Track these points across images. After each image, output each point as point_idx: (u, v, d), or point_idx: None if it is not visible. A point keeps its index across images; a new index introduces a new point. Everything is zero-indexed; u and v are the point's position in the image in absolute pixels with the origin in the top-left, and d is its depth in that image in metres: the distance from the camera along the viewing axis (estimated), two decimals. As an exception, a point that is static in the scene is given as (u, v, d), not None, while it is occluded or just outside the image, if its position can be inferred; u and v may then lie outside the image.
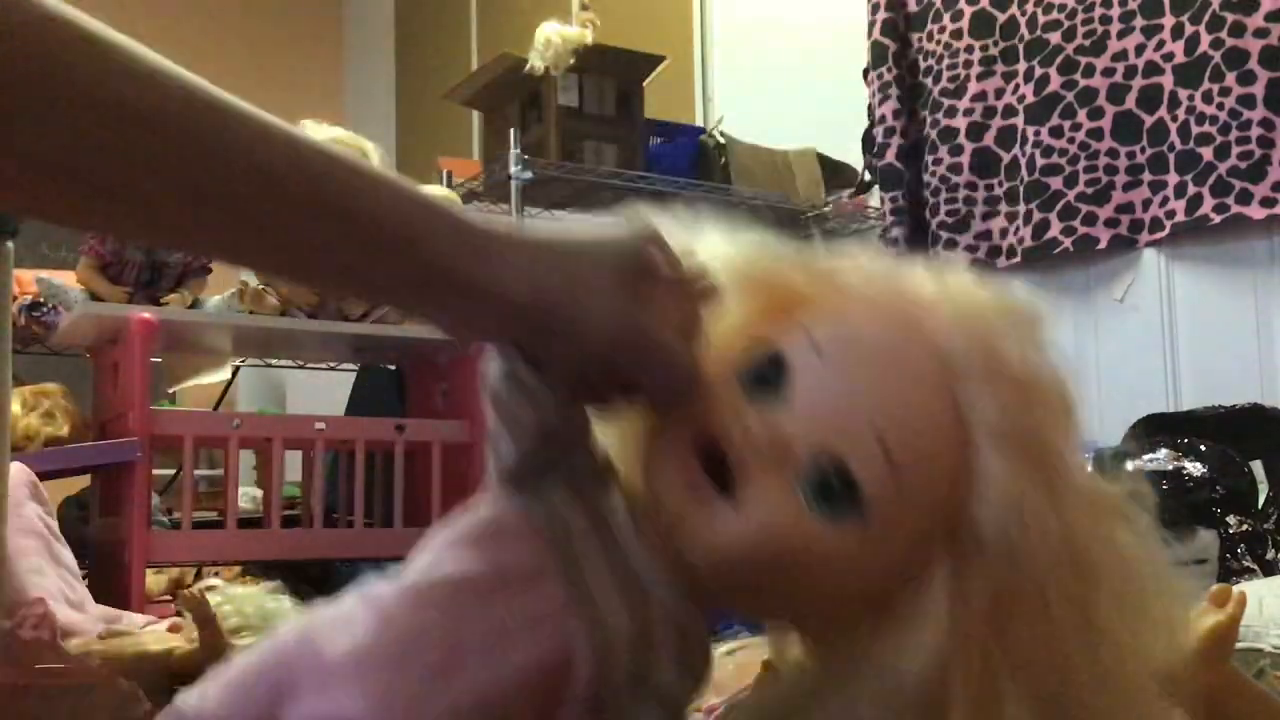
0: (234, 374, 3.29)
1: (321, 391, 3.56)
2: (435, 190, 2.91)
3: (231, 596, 1.64)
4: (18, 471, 1.94)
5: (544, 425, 0.54)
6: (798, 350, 0.54)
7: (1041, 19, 3.08)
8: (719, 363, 0.56)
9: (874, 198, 3.47)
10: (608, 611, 0.52)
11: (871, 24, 3.41)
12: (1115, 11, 2.94)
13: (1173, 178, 2.82)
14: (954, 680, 0.51)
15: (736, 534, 0.51)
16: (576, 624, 0.51)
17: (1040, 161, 3.04)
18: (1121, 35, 2.93)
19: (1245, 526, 2.29)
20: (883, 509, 0.52)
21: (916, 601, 0.52)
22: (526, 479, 0.55)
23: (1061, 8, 3.04)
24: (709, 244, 0.60)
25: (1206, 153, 2.72)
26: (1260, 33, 2.65)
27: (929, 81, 3.32)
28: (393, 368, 3.08)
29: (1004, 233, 3.19)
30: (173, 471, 2.97)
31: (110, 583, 2.38)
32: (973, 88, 3.22)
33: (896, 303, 0.57)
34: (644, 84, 3.21)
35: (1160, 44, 2.85)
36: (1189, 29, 2.78)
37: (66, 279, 2.80)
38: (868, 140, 3.47)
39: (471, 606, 0.51)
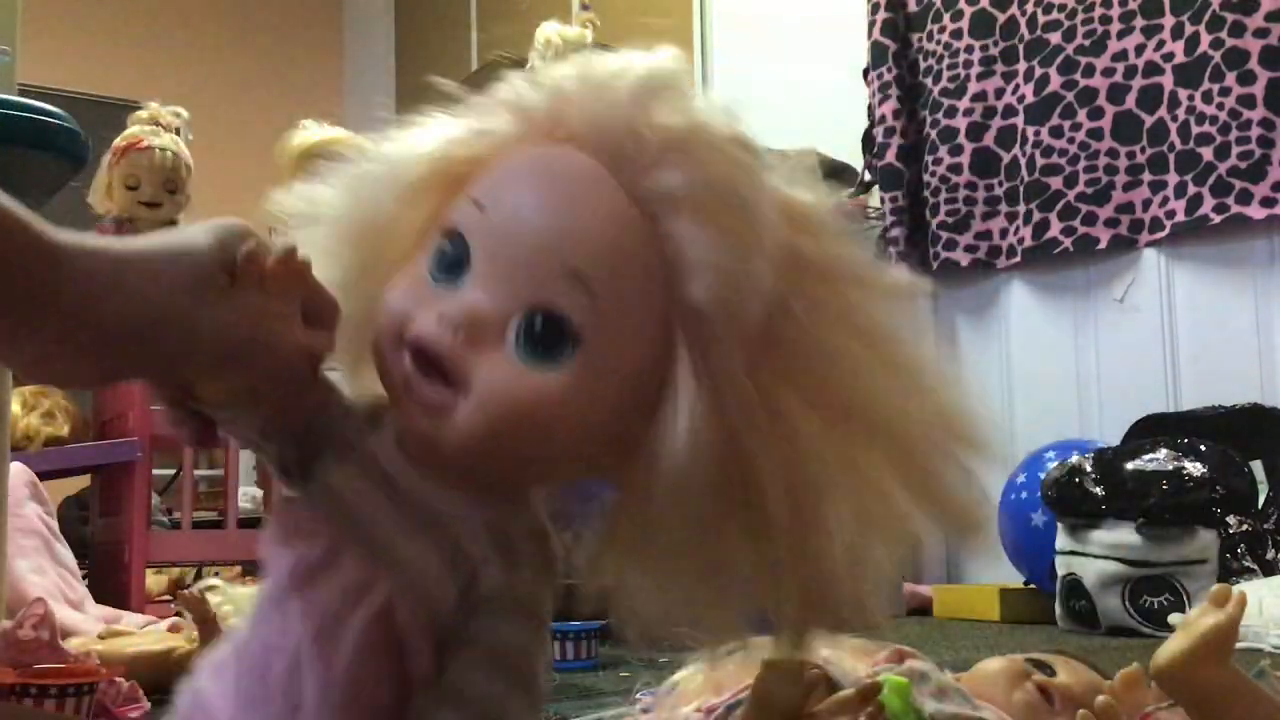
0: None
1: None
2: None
3: (231, 596, 1.64)
4: (18, 471, 1.94)
5: (265, 429, 0.54)
6: (466, 216, 0.53)
7: (1041, 19, 3.09)
8: (414, 269, 0.54)
9: (874, 198, 3.47)
10: (406, 553, 0.52)
11: (871, 24, 3.41)
12: (1115, 11, 2.94)
13: (1173, 178, 2.82)
14: (749, 442, 0.51)
15: (466, 418, 0.50)
16: (383, 580, 0.52)
17: (1040, 161, 3.04)
18: (1121, 35, 2.93)
19: (1245, 526, 2.29)
20: (596, 333, 0.51)
21: (670, 397, 0.51)
22: (302, 469, 0.55)
23: (1061, 8, 3.05)
24: (397, 149, 0.59)
25: (1206, 153, 2.72)
26: (1260, 33, 2.65)
27: (929, 81, 3.32)
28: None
29: (1004, 233, 3.19)
30: (173, 471, 2.97)
31: (110, 583, 2.38)
32: (973, 88, 3.22)
33: (538, 124, 0.55)
34: (644, 84, 3.21)
35: (1160, 44, 2.85)
36: (1189, 29, 2.78)
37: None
38: (868, 140, 3.47)
39: (294, 610, 0.53)
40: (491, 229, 0.52)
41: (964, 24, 3.25)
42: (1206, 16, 2.73)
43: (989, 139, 3.20)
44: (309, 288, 0.54)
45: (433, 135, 0.58)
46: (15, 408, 2.54)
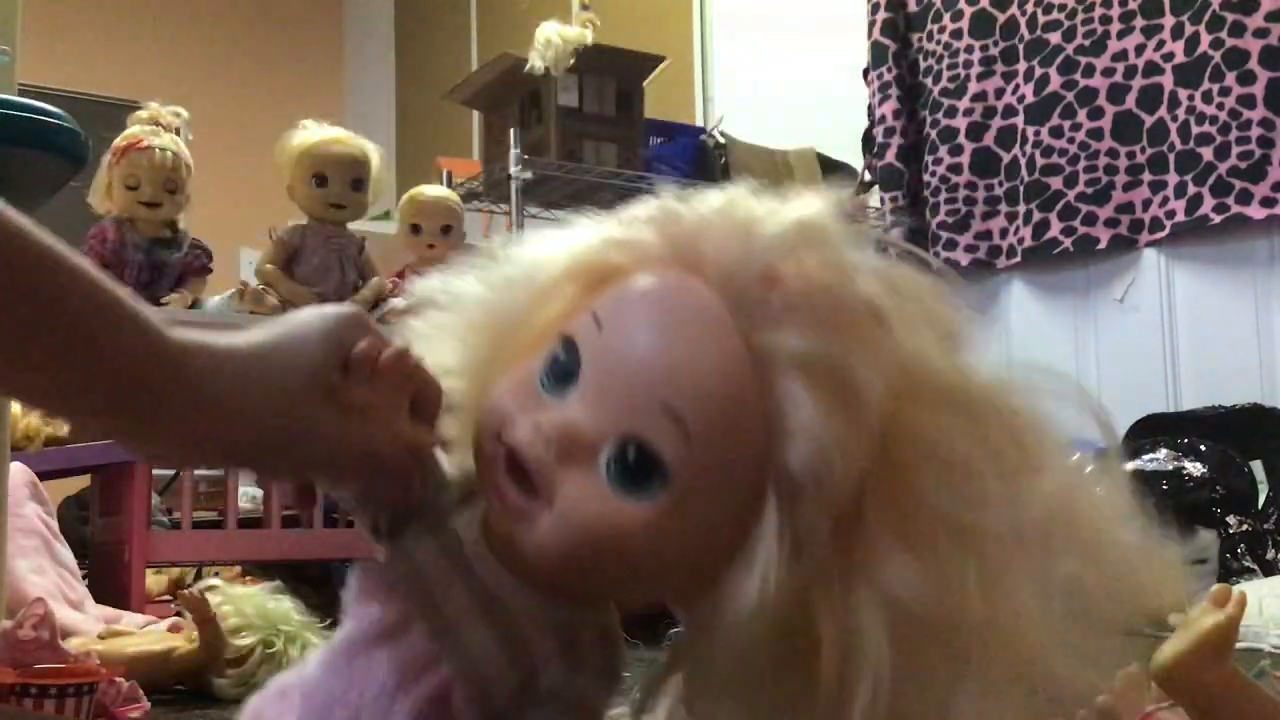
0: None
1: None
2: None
3: (231, 596, 1.64)
4: (18, 471, 1.94)
5: (363, 496, 0.57)
6: (582, 329, 0.53)
7: (1041, 19, 3.09)
8: (527, 369, 0.55)
9: (874, 198, 3.47)
10: (471, 638, 0.53)
11: (871, 24, 3.41)
12: (1115, 11, 2.94)
13: (1173, 178, 2.82)
14: (819, 610, 0.50)
15: (548, 532, 0.51)
16: (446, 660, 0.53)
17: (1040, 161, 3.04)
18: (1121, 35, 2.93)
19: (1245, 526, 2.29)
20: (688, 474, 0.50)
21: (750, 547, 0.50)
22: (391, 536, 0.57)
23: (1061, 8, 3.05)
24: (537, 251, 0.59)
25: (1206, 153, 2.72)
26: (1260, 33, 2.65)
27: (929, 81, 3.32)
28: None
29: (1004, 233, 3.19)
30: (173, 471, 2.97)
31: (110, 583, 2.38)
32: (973, 88, 3.22)
33: (677, 249, 0.55)
34: (644, 84, 3.21)
35: (1160, 44, 2.85)
36: (1189, 29, 2.78)
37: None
38: (868, 140, 3.47)
39: (360, 669, 0.54)
40: (604, 348, 0.52)
41: (964, 24, 3.25)
42: (1206, 16, 2.73)
43: (989, 139, 3.20)
44: (418, 382, 0.55)
45: (573, 239, 0.58)
46: (15, 408, 2.54)
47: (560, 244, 0.59)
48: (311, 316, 0.55)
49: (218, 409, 0.50)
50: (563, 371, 0.53)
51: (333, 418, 0.52)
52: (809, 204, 0.55)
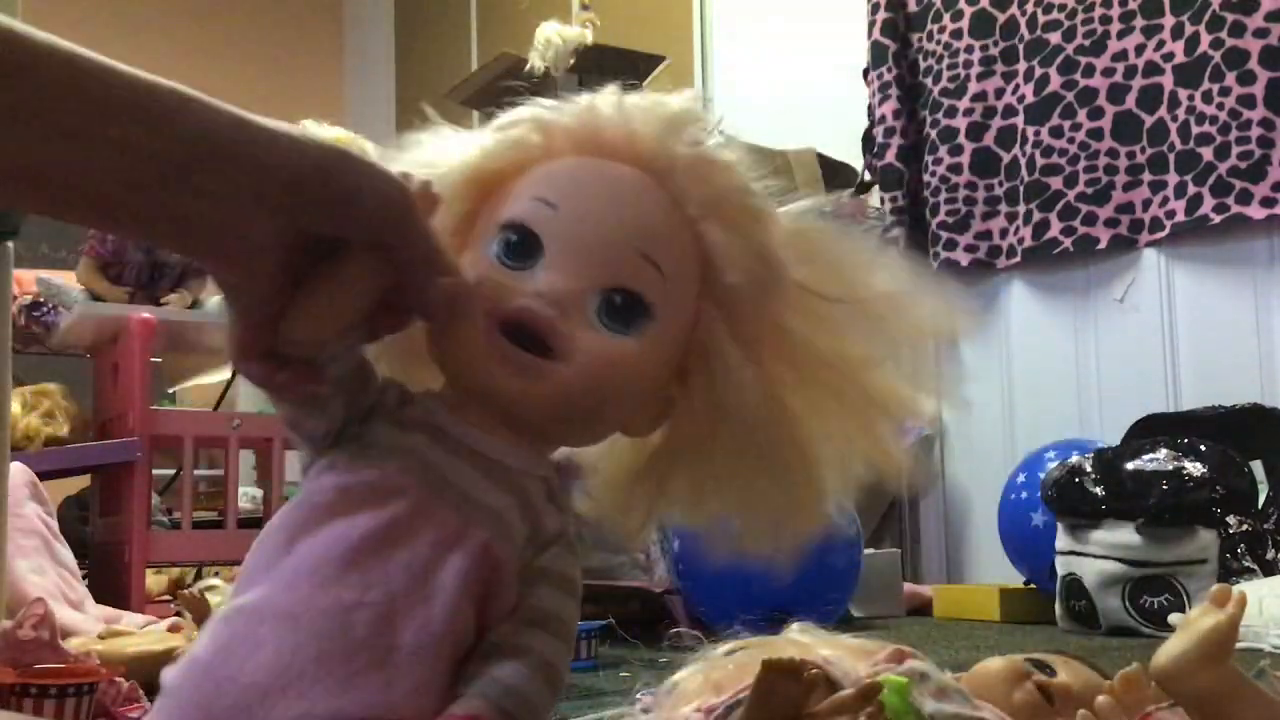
0: (234, 374, 3.30)
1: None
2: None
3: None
4: (18, 471, 1.94)
5: (336, 382, 0.58)
6: (532, 214, 0.61)
7: (1041, 19, 3.09)
8: (475, 260, 0.61)
9: (874, 198, 3.47)
10: (491, 500, 0.58)
11: (871, 24, 3.41)
12: (1115, 11, 2.94)
13: (1173, 178, 2.82)
14: (779, 391, 0.63)
15: (567, 380, 0.58)
16: (475, 526, 0.57)
17: (1040, 161, 3.05)
18: (1121, 35, 2.93)
19: (1245, 526, 2.29)
20: (664, 306, 0.60)
21: (713, 356, 0.62)
22: (344, 442, 0.59)
23: (1061, 8, 3.05)
24: (437, 151, 0.66)
25: (1206, 153, 2.73)
26: (1260, 33, 2.65)
27: (929, 81, 3.32)
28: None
29: (1004, 233, 3.19)
30: (173, 471, 2.97)
31: (110, 583, 2.38)
32: (973, 88, 3.22)
33: (575, 141, 0.66)
34: (644, 84, 3.21)
35: (1160, 44, 2.85)
36: (1189, 29, 2.78)
37: (66, 279, 2.80)
38: (868, 140, 3.47)
39: (378, 569, 0.55)
40: (566, 220, 0.60)
41: (964, 24, 3.25)
42: (1206, 16, 2.73)
43: (989, 139, 3.20)
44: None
45: (466, 145, 0.66)
46: (15, 408, 2.54)
47: (452, 150, 0.66)
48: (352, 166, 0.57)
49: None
50: (522, 252, 0.60)
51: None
52: (680, 96, 0.68)
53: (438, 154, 0.66)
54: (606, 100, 0.68)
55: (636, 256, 0.60)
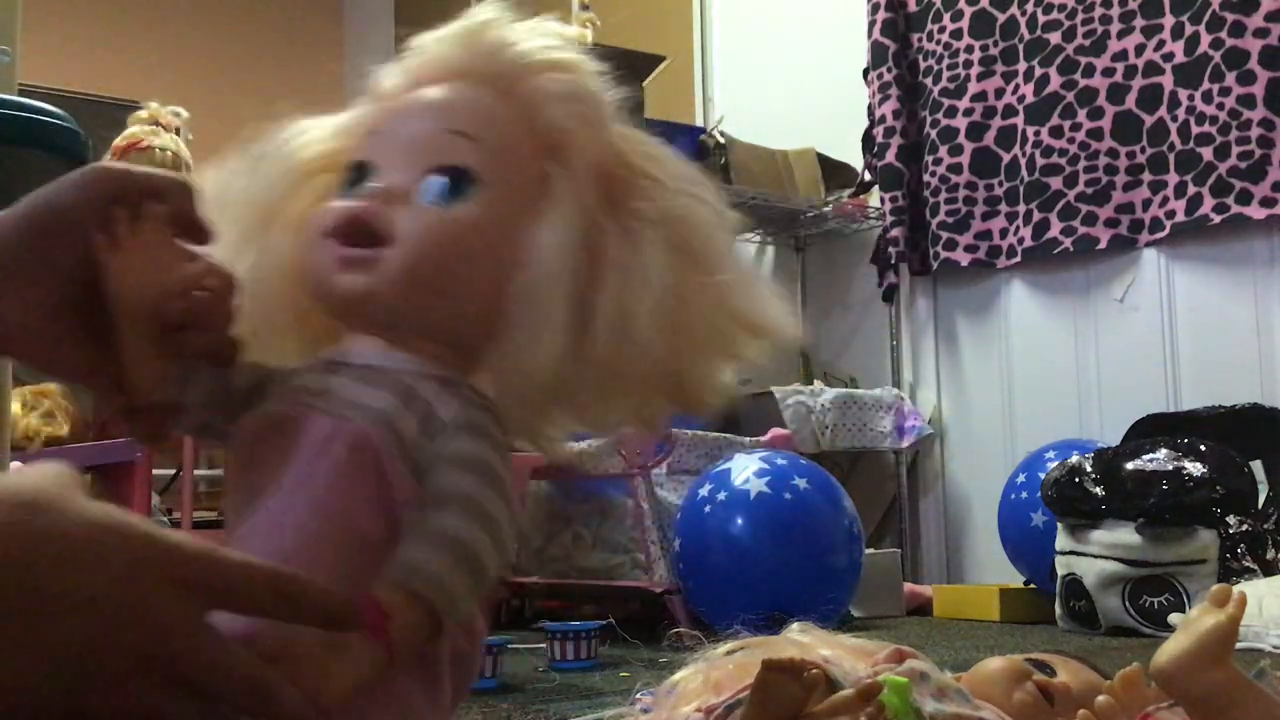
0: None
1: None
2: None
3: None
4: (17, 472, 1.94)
5: (199, 402, 0.61)
6: (363, 147, 0.64)
7: (1041, 19, 3.09)
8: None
9: (874, 198, 3.47)
10: (367, 397, 0.58)
11: (871, 24, 3.41)
12: (1115, 11, 2.94)
13: (1173, 178, 2.82)
14: (597, 239, 0.62)
15: (398, 260, 0.58)
16: (348, 422, 0.57)
17: (1040, 161, 3.05)
18: (1121, 35, 2.93)
19: (1245, 526, 2.29)
20: (490, 170, 0.61)
21: (546, 205, 0.62)
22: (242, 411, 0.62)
23: (1061, 8, 3.05)
24: (305, 130, 0.68)
25: (1206, 153, 2.72)
26: (1260, 33, 2.65)
27: (929, 81, 3.32)
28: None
29: (1004, 233, 3.19)
30: (173, 471, 2.97)
31: (110, 583, 2.37)
32: (973, 88, 3.22)
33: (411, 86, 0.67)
34: (644, 84, 3.21)
35: (1160, 44, 2.85)
36: (1189, 29, 2.78)
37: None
38: (868, 140, 3.47)
39: (272, 477, 0.58)
40: (385, 137, 0.63)
41: (964, 24, 3.25)
42: (1206, 16, 2.73)
43: (989, 139, 3.20)
44: (182, 221, 0.60)
45: (319, 127, 0.69)
46: (15, 408, 2.54)
47: (307, 133, 0.68)
48: (62, 182, 0.58)
49: None
50: (356, 179, 0.62)
51: (113, 266, 0.56)
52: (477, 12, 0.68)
53: (297, 137, 0.68)
54: (420, 41, 0.69)
55: (448, 135, 0.62)
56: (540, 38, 0.66)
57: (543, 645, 1.91)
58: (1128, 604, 2.32)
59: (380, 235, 0.59)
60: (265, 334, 0.64)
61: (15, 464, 1.95)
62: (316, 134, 0.68)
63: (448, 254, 0.60)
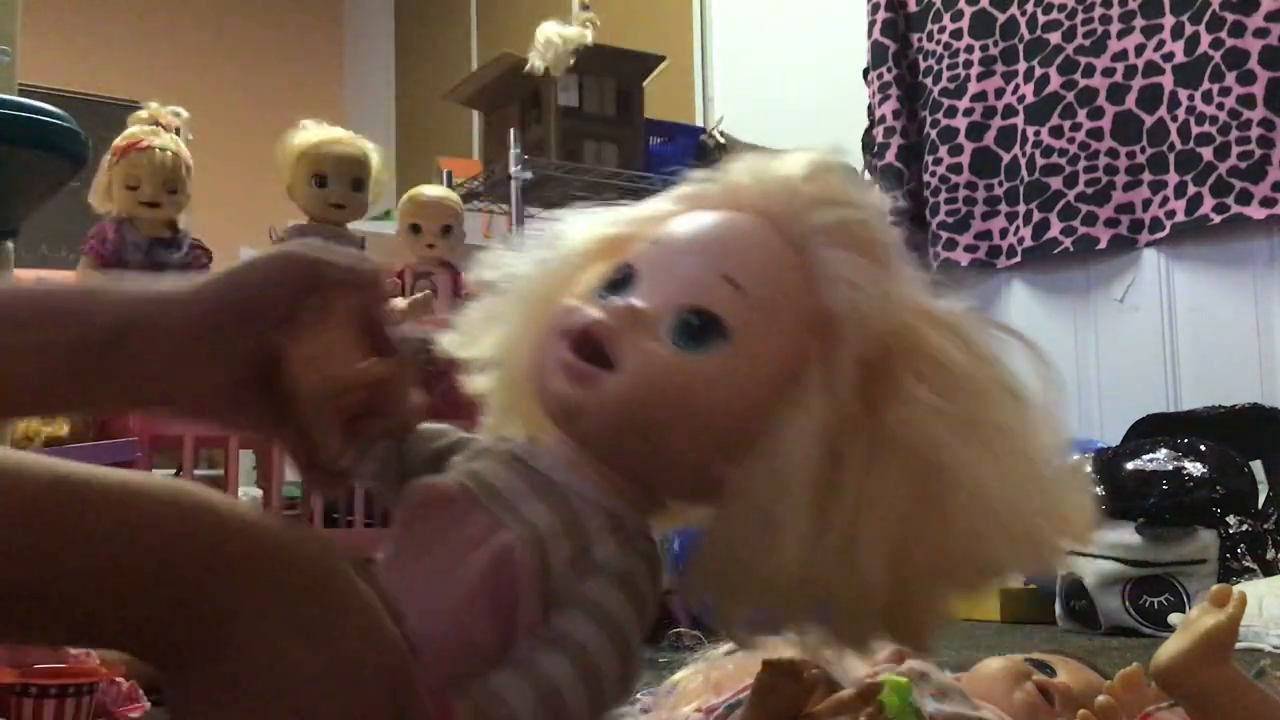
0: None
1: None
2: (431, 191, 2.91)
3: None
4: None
5: (380, 472, 0.63)
6: (639, 253, 0.62)
7: (1041, 19, 3.09)
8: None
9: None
10: (529, 509, 0.57)
11: (871, 24, 3.41)
12: (1115, 11, 2.94)
13: (1173, 178, 2.82)
14: (842, 448, 0.57)
15: (615, 386, 0.57)
16: (507, 531, 0.57)
17: (1040, 161, 3.04)
18: (1121, 35, 2.93)
19: (1245, 526, 2.29)
20: (744, 330, 0.58)
21: (796, 392, 0.58)
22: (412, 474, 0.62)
23: (1061, 8, 3.05)
24: (573, 224, 0.67)
25: (1206, 153, 2.72)
26: (1260, 33, 2.65)
27: (929, 81, 3.32)
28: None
29: (1004, 233, 3.19)
30: (173, 471, 2.97)
31: (110, 583, 2.37)
32: (973, 88, 3.22)
33: (707, 203, 0.65)
34: (644, 84, 3.21)
35: (1160, 44, 2.85)
36: (1189, 29, 2.78)
37: (66, 279, 2.80)
38: (868, 140, 3.47)
39: (417, 558, 0.58)
40: (658, 254, 0.61)
41: (964, 24, 3.25)
42: (1206, 16, 2.73)
43: (989, 139, 3.20)
44: (367, 319, 0.59)
45: (611, 214, 0.67)
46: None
47: (590, 224, 0.67)
48: (255, 263, 0.58)
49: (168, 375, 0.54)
50: (617, 282, 0.61)
51: (294, 359, 0.56)
52: (817, 151, 0.65)
53: (583, 225, 0.67)
54: (745, 167, 0.66)
55: (718, 278, 0.59)
56: (857, 211, 0.62)
57: (543, 645, 1.91)
58: (1128, 604, 2.31)
59: (608, 356, 0.58)
60: (512, 417, 0.66)
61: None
62: (605, 219, 0.67)
63: (666, 402, 0.57)
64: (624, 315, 0.58)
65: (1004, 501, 0.58)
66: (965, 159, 3.22)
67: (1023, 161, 3.10)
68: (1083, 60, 2.98)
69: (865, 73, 3.45)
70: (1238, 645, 0.79)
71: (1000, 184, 3.19)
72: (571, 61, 2.94)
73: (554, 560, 0.56)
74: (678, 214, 0.64)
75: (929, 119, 3.31)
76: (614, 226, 0.66)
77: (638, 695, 1.01)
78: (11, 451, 0.45)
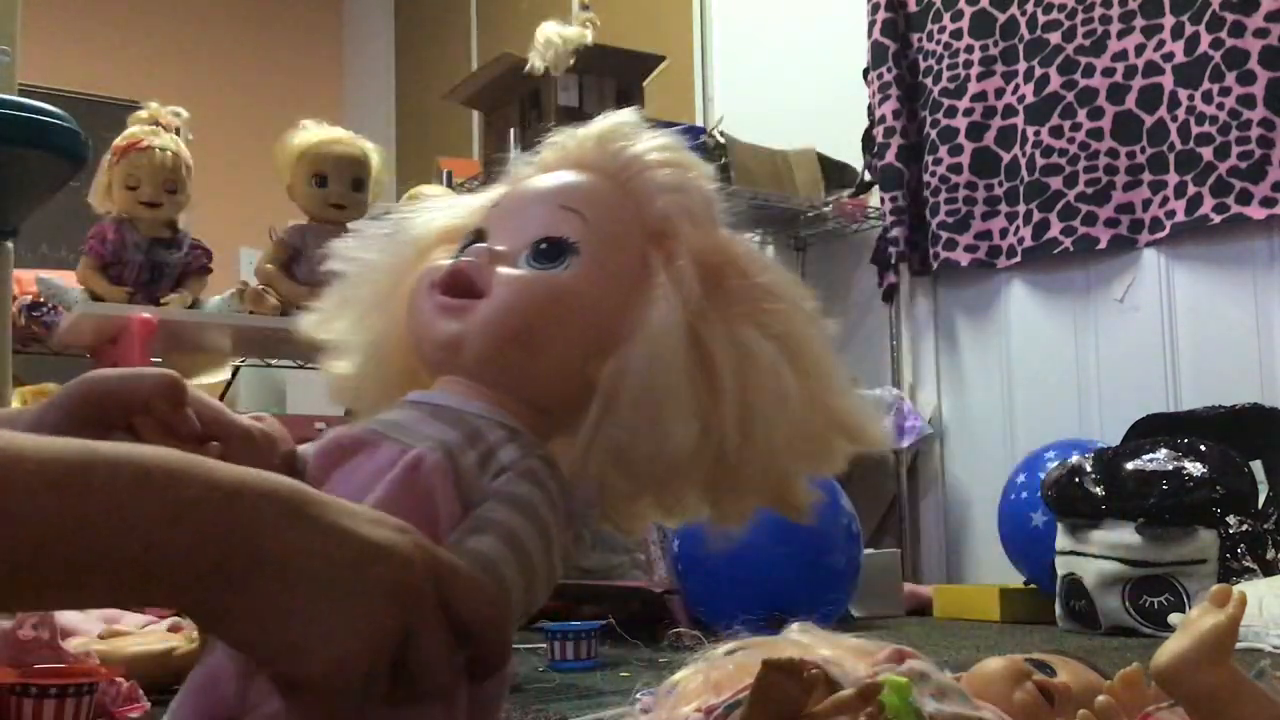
0: (234, 374, 3.29)
1: (321, 391, 3.55)
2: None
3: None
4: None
5: None
6: (485, 217, 0.69)
7: (1041, 19, 3.09)
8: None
9: (874, 198, 3.47)
10: (428, 429, 0.62)
11: (871, 24, 3.41)
12: (1115, 11, 2.94)
13: (1173, 178, 2.82)
14: (706, 339, 0.63)
15: (487, 311, 0.63)
16: (416, 450, 0.60)
17: (1040, 161, 3.05)
18: (1121, 35, 2.93)
19: (1245, 526, 2.29)
20: (590, 243, 0.65)
21: (650, 290, 0.64)
22: None
23: (1061, 8, 3.05)
24: (419, 214, 0.73)
25: (1206, 153, 2.72)
26: (1260, 33, 2.65)
27: (929, 81, 3.32)
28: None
29: (1004, 233, 3.19)
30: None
31: (110, 583, 2.37)
32: (973, 88, 3.22)
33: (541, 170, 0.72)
34: (644, 84, 3.21)
35: (1160, 44, 2.85)
36: (1189, 29, 2.78)
37: (66, 279, 2.80)
38: (868, 140, 3.47)
39: (334, 491, 0.59)
40: (501, 211, 0.69)
41: (964, 24, 3.25)
42: (1206, 16, 2.73)
43: (989, 139, 3.20)
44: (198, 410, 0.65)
45: (450, 204, 0.74)
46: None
47: (434, 212, 0.73)
48: (47, 405, 0.61)
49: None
50: (471, 242, 0.67)
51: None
52: (617, 114, 0.72)
53: (425, 219, 0.73)
54: (557, 137, 0.73)
55: (558, 209, 0.66)
56: (661, 140, 0.70)
57: (543, 645, 1.91)
58: (1128, 604, 2.31)
59: (477, 288, 0.64)
60: (378, 395, 0.70)
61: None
62: (446, 209, 0.73)
63: (535, 310, 0.63)
64: (484, 255, 0.65)
65: (839, 371, 0.68)
66: (965, 159, 3.22)
67: (1023, 161, 3.10)
68: (1083, 60, 2.98)
69: (865, 73, 3.45)
70: (1238, 645, 0.78)
71: (1000, 184, 3.19)
72: (571, 61, 2.94)
73: (462, 464, 0.60)
74: (509, 188, 0.71)
75: (929, 119, 3.31)
76: (457, 213, 0.72)
77: (638, 695, 1.01)
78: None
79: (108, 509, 0.43)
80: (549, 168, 0.71)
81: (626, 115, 0.72)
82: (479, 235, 0.67)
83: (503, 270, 0.64)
